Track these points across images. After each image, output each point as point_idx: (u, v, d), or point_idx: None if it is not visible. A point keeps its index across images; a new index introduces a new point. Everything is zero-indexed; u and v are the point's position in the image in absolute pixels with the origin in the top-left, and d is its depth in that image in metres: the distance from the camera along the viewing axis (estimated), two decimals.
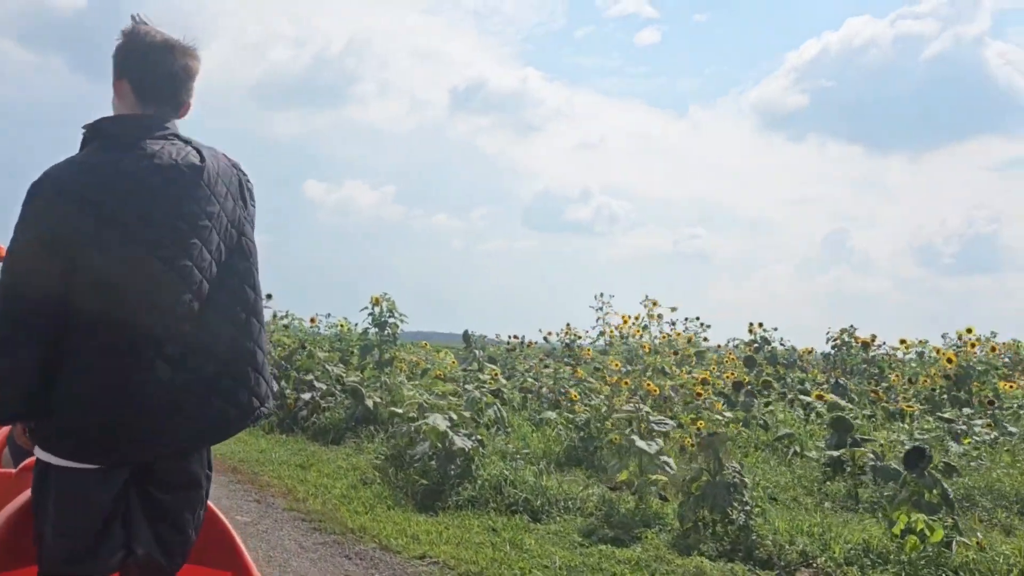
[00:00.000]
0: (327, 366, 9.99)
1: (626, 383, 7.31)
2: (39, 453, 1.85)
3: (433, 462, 5.80)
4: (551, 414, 8.90)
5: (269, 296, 10.72)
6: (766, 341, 13.45)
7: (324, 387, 9.40)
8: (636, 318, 7.88)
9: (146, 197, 1.81)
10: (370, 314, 10.76)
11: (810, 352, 13.81)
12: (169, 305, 1.81)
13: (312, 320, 11.02)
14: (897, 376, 11.84)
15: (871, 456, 6.23)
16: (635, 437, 5.07)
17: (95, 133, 1.87)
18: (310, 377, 9.64)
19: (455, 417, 5.97)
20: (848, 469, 6.50)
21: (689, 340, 8.18)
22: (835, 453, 6.44)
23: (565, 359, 12.69)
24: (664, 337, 7.85)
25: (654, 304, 7.86)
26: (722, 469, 4.65)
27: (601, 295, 13.72)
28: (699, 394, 6.63)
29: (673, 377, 7.50)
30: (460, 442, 5.73)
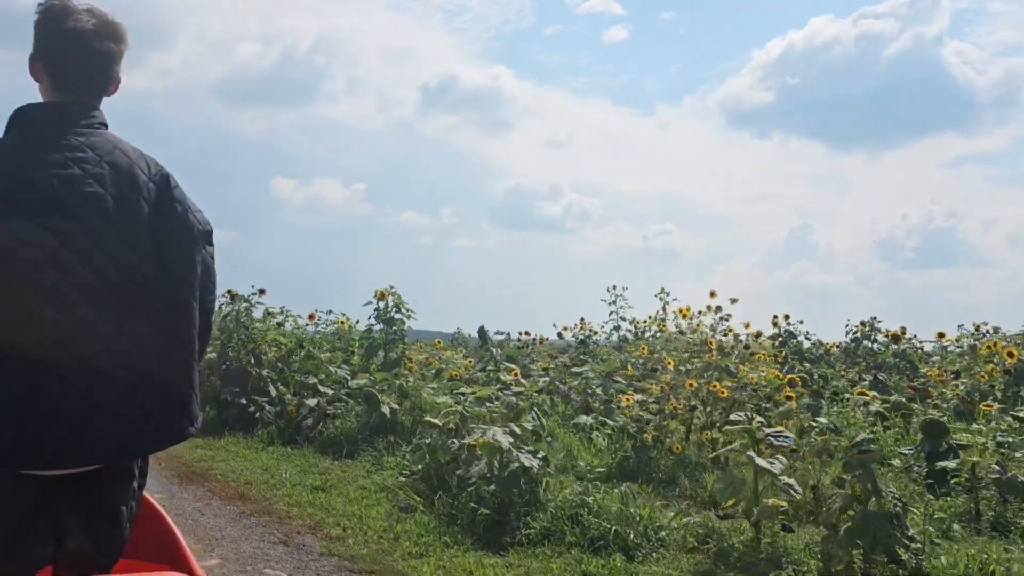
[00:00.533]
0: (331, 368, 8.92)
1: (691, 384, 6.36)
2: None
3: (493, 485, 4.79)
4: (586, 419, 7.95)
5: (262, 291, 9.62)
6: (791, 335, 12.63)
7: (330, 392, 8.33)
8: (691, 311, 6.95)
9: (65, 192, 1.71)
10: (375, 309, 9.69)
11: (837, 346, 13.03)
12: (77, 302, 1.69)
13: (311, 317, 9.90)
14: (935, 371, 11.02)
15: (996, 468, 5.36)
16: (752, 453, 4.11)
17: (19, 119, 1.78)
18: (313, 381, 8.56)
19: (517, 430, 4.96)
20: (954, 481, 5.63)
21: (757, 335, 7.27)
22: (950, 464, 5.55)
23: (581, 356, 11.77)
24: (730, 332, 6.92)
25: (711, 295, 6.94)
26: (879, 495, 3.71)
27: (614, 287, 12.82)
28: (789, 396, 5.70)
29: (739, 377, 6.59)
30: (526, 461, 4.73)
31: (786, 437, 4.22)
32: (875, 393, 8.47)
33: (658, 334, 11.73)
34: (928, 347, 12.74)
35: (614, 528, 4.35)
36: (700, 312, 7.11)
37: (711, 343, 6.59)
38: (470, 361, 9.56)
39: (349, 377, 8.82)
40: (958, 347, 11.58)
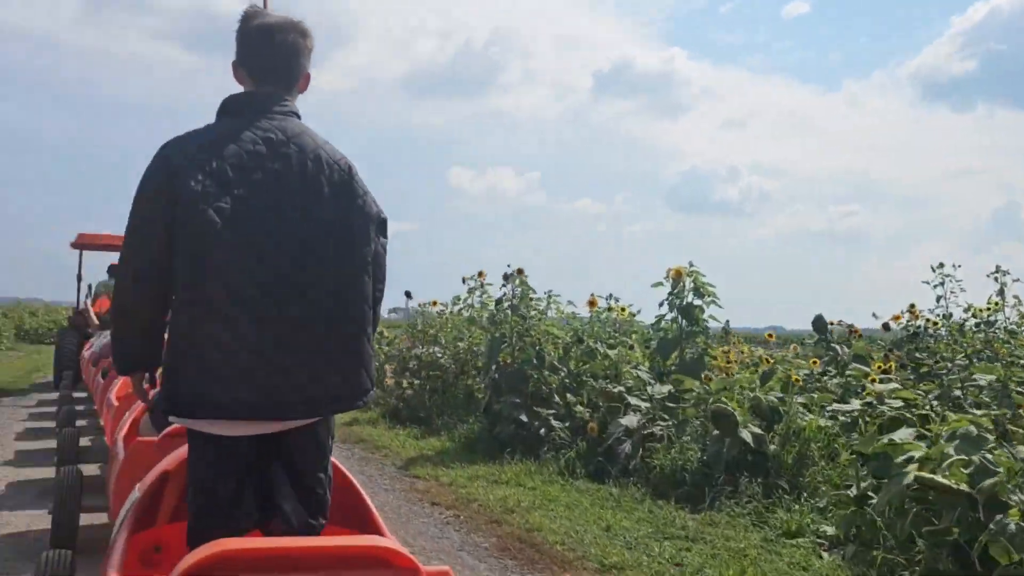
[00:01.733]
0: (632, 369, 6.68)
1: None
2: (174, 418, 1.89)
3: None
4: None
5: (520, 271, 7.53)
6: None
7: (644, 405, 6.08)
8: None
9: (252, 165, 1.85)
10: (670, 293, 7.33)
11: None
12: (251, 265, 1.79)
13: (591, 303, 7.68)
14: None
15: None
16: None
17: (223, 106, 1.99)
18: (618, 389, 6.35)
19: None
20: None
21: None
22: None
23: (916, 353, 8.94)
24: None
25: None
26: None
27: (940, 266, 9.85)
28: None
29: None
30: None
31: None
32: None
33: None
34: None
35: None
36: None
37: None
38: (814, 361, 7.01)
39: (652, 382, 6.57)
40: None
